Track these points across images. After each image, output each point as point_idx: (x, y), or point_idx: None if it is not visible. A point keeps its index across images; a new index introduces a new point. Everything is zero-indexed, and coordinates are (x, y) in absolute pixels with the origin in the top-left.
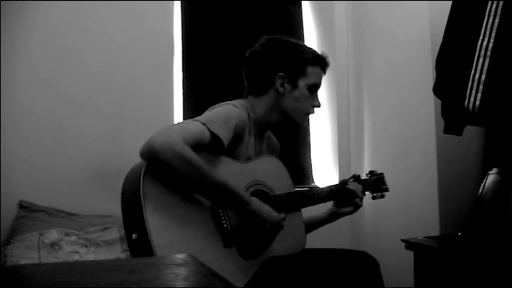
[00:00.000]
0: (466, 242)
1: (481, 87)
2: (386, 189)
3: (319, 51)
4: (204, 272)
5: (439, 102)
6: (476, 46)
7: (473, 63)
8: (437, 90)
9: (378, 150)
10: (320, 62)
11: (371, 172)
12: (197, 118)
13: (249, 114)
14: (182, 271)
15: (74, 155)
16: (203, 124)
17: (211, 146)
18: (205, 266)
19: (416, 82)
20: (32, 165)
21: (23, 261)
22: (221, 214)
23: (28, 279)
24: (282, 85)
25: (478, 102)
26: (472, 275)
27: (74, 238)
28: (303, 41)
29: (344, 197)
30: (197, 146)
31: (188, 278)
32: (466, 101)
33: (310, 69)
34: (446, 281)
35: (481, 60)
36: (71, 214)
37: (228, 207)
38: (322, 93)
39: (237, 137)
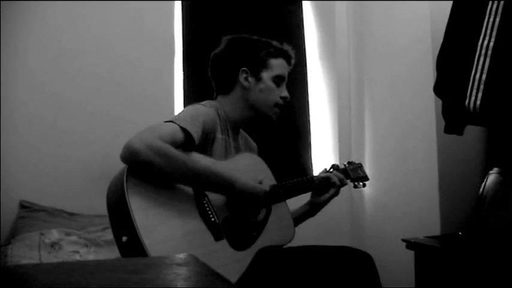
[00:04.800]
0: (466, 242)
1: (481, 86)
2: (366, 178)
3: (282, 45)
4: (205, 272)
5: (440, 101)
6: (477, 45)
7: (474, 62)
8: (438, 89)
9: (379, 150)
10: (283, 54)
11: (349, 162)
12: (167, 119)
13: (218, 113)
14: (183, 271)
15: (75, 155)
16: (173, 122)
17: (184, 145)
18: (207, 266)
19: (417, 82)
20: (33, 165)
21: (24, 261)
22: (207, 208)
23: (29, 279)
24: (246, 79)
25: (478, 102)
26: (472, 275)
27: (74, 238)
28: (304, 41)
29: (323, 186)
30: (172, 144)
31: (189, 278)
32: (467, 100)
33: (273, 62)
34: (447, 281)
35: (481, 59)
36: (71, 214)
37: (214, 191)
38: (323, 93)
39: (208, 134)
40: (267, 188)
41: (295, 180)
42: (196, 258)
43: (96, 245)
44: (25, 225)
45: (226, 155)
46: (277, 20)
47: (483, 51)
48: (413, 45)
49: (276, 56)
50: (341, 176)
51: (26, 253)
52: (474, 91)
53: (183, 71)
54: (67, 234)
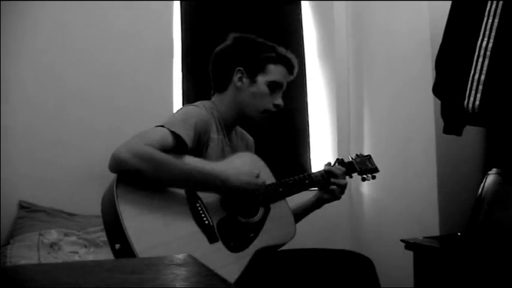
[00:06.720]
0: (465, 242)
1: (480, 87)
2: (376, 170)
3: (287, 53)
4: (204, 272)
5: (439, 102)
6: (476, 46)
7: (472, 63)
8: (437, 90)
9: (378, 150)
10: (284, 62)
11: (357, 155)
12: (158, 124)
13: (212, 113)
14: (182, 271)
15: (74, 156)
16: (163, 127)
17: (176, 148)
18: (205, 266)
19: (416, 82)
20: (32, 166)
21: (23, 262)
22: (201, 211)
23: (28, 280)
24: (240, 79)
25: (477, 103)
26: (471, 275)
27: (73, 238)
28: (303, 41)
29: (327, 181)
30: (162, 149)
31: (188, 278)
32: (466, 101)
33: (272, 67)
34: (446, 281)
35: (480, 60)
36: (70, 214)
37: (207, 190)
38: (322, 93)
39: (201, 136)
40: (262, 179)
41: (295, 177)
42: (195, 259)
43: (95, 246)
44: (24, 225)
45: (223, 155)
46: (276, 20)
47: (482, 52)
48: (413, 45)
49: (276, 62)
50: (343, 169)
51: (25, 253)
52: (473, 92)
53: (182, 71)
54: (66, 234)
